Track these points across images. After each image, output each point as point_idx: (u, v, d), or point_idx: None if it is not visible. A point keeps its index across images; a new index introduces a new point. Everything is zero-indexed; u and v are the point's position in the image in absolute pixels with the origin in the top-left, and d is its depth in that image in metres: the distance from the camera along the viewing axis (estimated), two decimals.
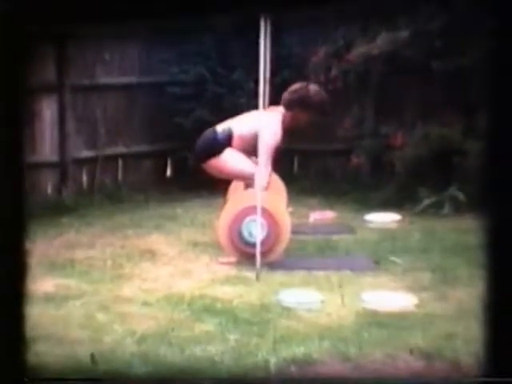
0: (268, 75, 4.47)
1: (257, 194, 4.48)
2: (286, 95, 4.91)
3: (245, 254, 4.54)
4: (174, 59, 7.16)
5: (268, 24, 4.32)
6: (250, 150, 4.72)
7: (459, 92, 6.09)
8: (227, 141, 4.84)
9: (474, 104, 5.79)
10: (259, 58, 4.35)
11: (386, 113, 6.54)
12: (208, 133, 5.01)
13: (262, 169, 4.61)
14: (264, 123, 4.56)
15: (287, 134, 4.93)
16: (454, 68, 5.70)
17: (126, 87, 7.14)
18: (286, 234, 4.65)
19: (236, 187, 5.19)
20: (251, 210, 4.51)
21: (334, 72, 6.63)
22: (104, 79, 6.97)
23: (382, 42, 6.20)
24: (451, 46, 5.76)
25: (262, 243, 4.44)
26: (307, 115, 4.92)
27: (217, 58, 6.95)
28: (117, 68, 7.11)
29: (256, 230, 4.47)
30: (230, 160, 4.83)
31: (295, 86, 4.95)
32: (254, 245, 4.43)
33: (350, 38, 6.63)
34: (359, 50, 6.45)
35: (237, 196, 5.04)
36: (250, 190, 4.80)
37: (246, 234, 4.58)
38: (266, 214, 4.53)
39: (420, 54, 5.95)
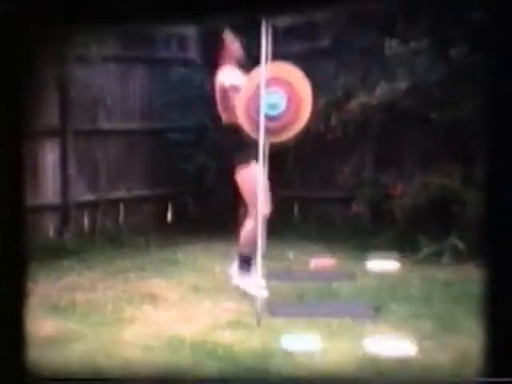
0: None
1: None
2: None
3: (265, 129, 4.36)
4: (175, 106, 7.28)
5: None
6: None
7: (458, 142, 6.18)
8: None
9: (473, 154, 5.88)
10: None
11: (386, 162, 6.63)
12: None
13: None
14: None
15: None
16: (452, 119, 5.79)
17: (127, 132, 7.25)
18: (307, 110, 4.56)
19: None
20: (272, 81, 4.38)
21: (333, 121, 6.73)
22: (106, 124, 7.07)
23: (380, 92, 6.30)
24: (449, 98, 5.85)
25: (281, 117, 4.41)
26: None
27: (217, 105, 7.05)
28: (118, 113, 7.21)
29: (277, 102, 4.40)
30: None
31: None
32: (273, 118, 4.38)
33: (349, 87, 6.75)
34: (358, 100, 6.55)
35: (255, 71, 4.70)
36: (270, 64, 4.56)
37: (266, 105, 4.40)
38: (287, 85, 4.45)
39: (418, 104, 6.04)
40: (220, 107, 4.88)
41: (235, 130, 4.70)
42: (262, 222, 4.55)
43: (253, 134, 4.52)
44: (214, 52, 4.89)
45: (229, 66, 4.86)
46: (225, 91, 4.78)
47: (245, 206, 4.95)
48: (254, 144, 4.45)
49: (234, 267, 4.94)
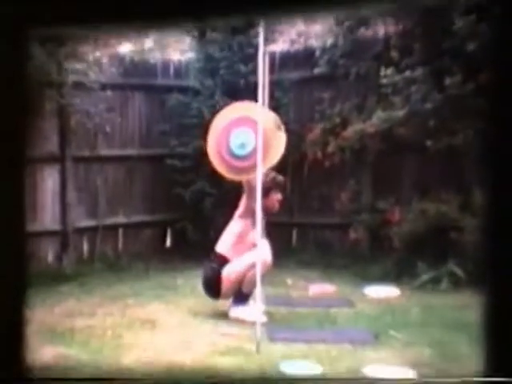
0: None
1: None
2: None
3: (233, 168, 4.44)
4: (173, 132, 7.34)
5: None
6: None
7: (453, 169, 6.24)
8: None
9: (469, 181, 5.94)
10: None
11: (383, 188, 6.67)
12: None
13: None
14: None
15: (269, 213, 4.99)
16: (448, 146, 5.85)
17: (126, 159, 7.29)
18: (277, 147, 4.53)
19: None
20: (241, 120, 4.41)
21: (330, 148, 6.78)
22: (105, 151, 7.12)
23: (377, 120, 6.36)
24: (444, 126, 5.91)
25: (250, 156, 4.39)
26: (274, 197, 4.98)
27: None
28: (117, 140, 7.27)
29: (245, 141, 4.39)
30: None
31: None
32: (242, 158, 4.36)
33: (346, 115, 6.82)
34: (355, 128, 6.62)
35: (228, 109, 4.77)
36: (242, 103, 4.63)
37: (234, 145, 4.44)
38: (255, 124, 4.35)
39: (414, 132, 6.09)
40: None
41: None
42: (263, 269, 4.57)
43: (226, 175, 4.58)
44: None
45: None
46: None
47: None
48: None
49: (231, 300, 4.96)
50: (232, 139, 4.45)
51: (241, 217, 4.90)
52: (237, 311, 4.89)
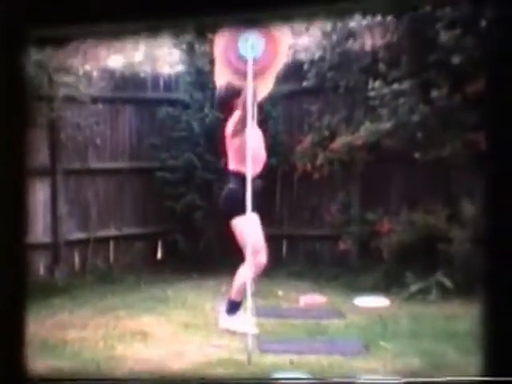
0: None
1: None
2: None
3: (239, 71, 4.44)
4: (163, 145, 7.37)
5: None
6: None
7: (441, 181, 6.30)
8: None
9: (457, 192, 6.00)
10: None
11: (372, 200, 6.72)
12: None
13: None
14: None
15: None
16: (435, 158, 5.90)
17: (116, 171, 7.31)
18: (283, 53, 4.64)
19: None
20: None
21: (319, 160, 6.83)
22: (95, 164, 7.14)
23: (364, 132, 6.42)
24: (432, 138, 5.97)
25: (259, 59, 4.45)
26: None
27: (205, 144, 7.15)
28: (108, 153, 7.29)
29: (254, 44, 4.46)
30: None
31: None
32: (253, 61, 4.41)
33: (334, 127, 6.88)
34: (343, 140, 6.67)
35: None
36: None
37: (243, 48, 4.46)
38: (264, 30, 4.49)
39: (402, 144, 6.13)
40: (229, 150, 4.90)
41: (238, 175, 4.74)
42: (258, 270, 4.62)
43: (232, 80, 4.58)
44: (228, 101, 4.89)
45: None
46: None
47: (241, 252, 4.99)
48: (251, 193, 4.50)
49: (222, 311, 4.98)
50: (241, 42, 4.47)
51: (235, 135, 4.82)
52: (227, 322, 4.91)
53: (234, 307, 4.89)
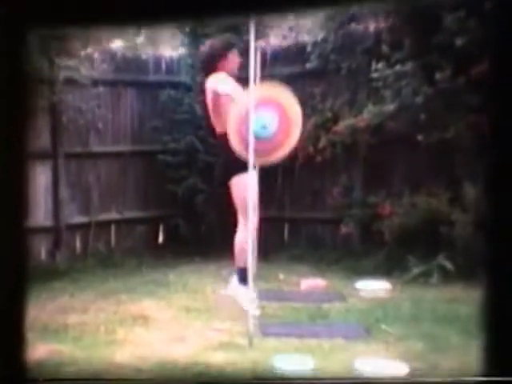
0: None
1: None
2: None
3: (254, 150, 4.33)
4: (165, 128, 7.34)
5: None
6: None
7: (444, 163, 6.26)
8: None
9: (460, 175, 5.97)
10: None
11: (374, 183, 6.69)
12: None
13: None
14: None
15: None
16: (439, 140, 5.86)
17: (118, 155, 7.29)
18: (297, 131, 4.61)
19: None
20: (263, 101, 4.39)
21: (322, 143, 6.80)
22: (97, 147, 7.12)
23: (368, 114, 6.38)
24: (435, 120, 5.93)
25: (271, 138, 4.45)
26: None
27: (207, 127, 7.11)
28: (109, 136, 7.26)
29: (268, 122, 4.43)
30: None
31: None
32: (263, 139, 4.40)
33: (337, 110, 6.84)
34: (346, 123, 6.64)
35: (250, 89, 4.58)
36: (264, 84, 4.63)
37: (256, 126, 4.38)
38: (278, 106, 4.48)
39: (405, 126, 6.10)
40: (212, 114, 4.86)
41: (228, 146, 4.68)
42: (251, 232, 4.59)
43: (243, 155, 4.53)
44: (212, 61, 4.89)
45: (223, 73, 4.83)
46: (217, 97, 4.74)
47: (235, 217, 4.97)
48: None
49: (234, 282, 4.94)
50: (254, 120, 4.38)
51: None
52: (235, 289, 4.89)
53: (243, 275, 4.80)
